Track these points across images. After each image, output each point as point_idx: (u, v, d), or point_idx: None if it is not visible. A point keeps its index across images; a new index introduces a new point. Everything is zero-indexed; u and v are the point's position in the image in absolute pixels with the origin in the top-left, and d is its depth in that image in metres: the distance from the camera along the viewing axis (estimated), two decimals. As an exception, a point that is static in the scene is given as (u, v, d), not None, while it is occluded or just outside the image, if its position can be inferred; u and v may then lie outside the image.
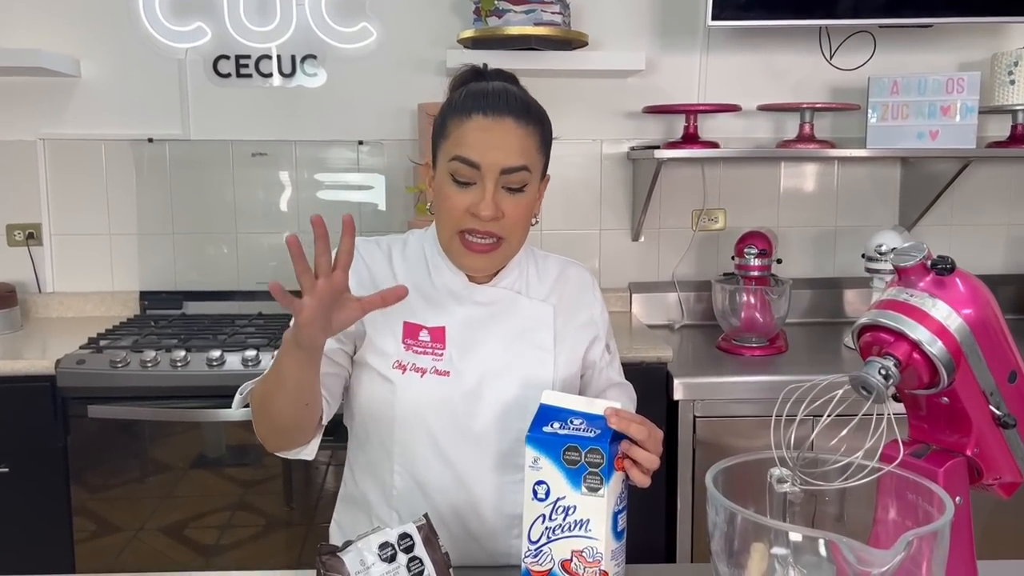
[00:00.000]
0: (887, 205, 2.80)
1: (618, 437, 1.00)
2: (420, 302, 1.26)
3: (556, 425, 1.01)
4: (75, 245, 2.70)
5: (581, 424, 1.00)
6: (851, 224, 2.79)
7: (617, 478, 1.00)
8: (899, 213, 2.80)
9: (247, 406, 1.22)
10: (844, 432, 0.85)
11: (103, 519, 2.22)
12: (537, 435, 1.01)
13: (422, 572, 0.93)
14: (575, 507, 0.98)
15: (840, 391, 0.91)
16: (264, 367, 2.15)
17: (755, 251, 2.37)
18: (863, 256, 2.45)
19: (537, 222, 1.27)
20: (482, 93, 1.18)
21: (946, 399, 0.87)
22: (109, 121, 2.64)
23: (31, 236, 2.67)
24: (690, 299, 2.74)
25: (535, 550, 1.01)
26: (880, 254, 2.37)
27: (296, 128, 2.68)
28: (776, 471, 0.96)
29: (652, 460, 1.03)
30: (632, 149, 2.70)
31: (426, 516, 0.97)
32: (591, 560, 0.98)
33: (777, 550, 0.88)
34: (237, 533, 2.26)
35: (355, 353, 1.27)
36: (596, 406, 1.02)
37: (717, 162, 2.73)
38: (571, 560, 0.99)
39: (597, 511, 0.97)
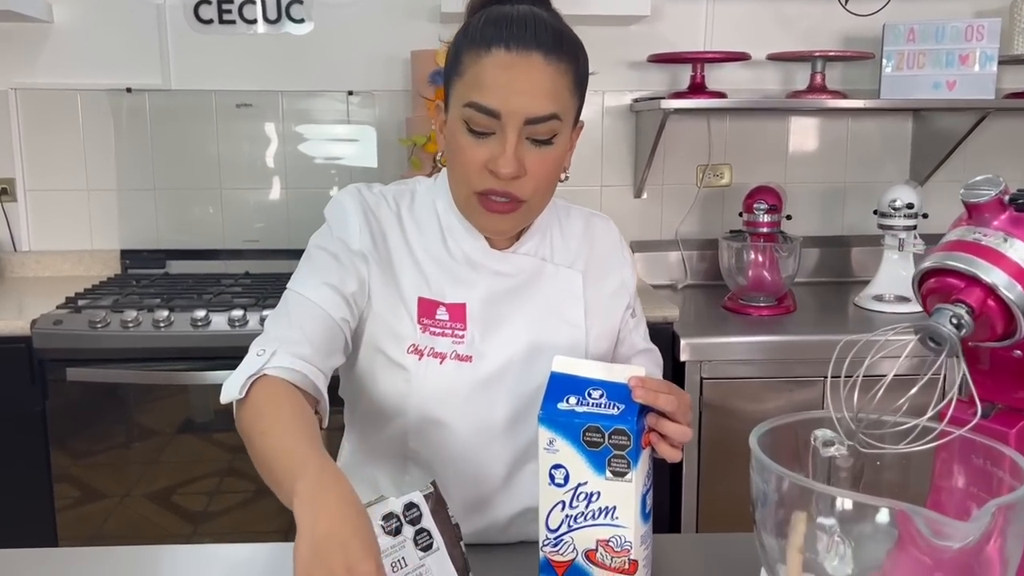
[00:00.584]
0: (898, 160, 2.70)
1: (645, 410, 0.89)
2: (436, 272, 1.09)
3: (573, 400, 0.89)
4: (51, 201, 2.57)
5: (601, 397, 0.88)
6: (861, 180, 2.69)
7: (645, 457, 0.90)
8: (910, 168, 2.70)
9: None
10: (913, 391, 0.75)
11: (86, 485, 2.12)
12: (552, 413, 0.89)
13: (431, 545, 0.84)
14: (599, 493, 0.87)
15: (906, 345, 0.81)
16: (252, 329, 2.05)
17: (765, 206, 2.27)
18: (875, 212, 2.35)
19: (567, 177, 1.10)
20: (505, 19, 0.99)
21: (1020, 352, 0.78)
22: (84, 70, 2.50)
23: (4, 192, 2.54)
24: (693, 258, 2.65)
25: (555, 539, 0.91)
26: (894, 210, 2.28)
27: (282, 78, 2.54)
28: (821, 433, 0.86)
29: (684, 433, 0.91)
30: (636, 101, 2.58)
31: (433, 484, 0.87)
32: (619, 549, 0.88)
33: (823, 520, 0.79)
34: (226, 500, 2.18)
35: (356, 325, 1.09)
36: (617, 373, 0.90)
37: (723, 115, 2.62)
38: (596, 550, 0.89)
39: (625, 497, 0.87)
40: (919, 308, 2.29)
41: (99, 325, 2.04)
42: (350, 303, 1.05)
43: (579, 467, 0.87)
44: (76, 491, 2.11)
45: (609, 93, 2.61)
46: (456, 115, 1.01)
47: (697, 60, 2.43)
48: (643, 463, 0.88)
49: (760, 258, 2.31)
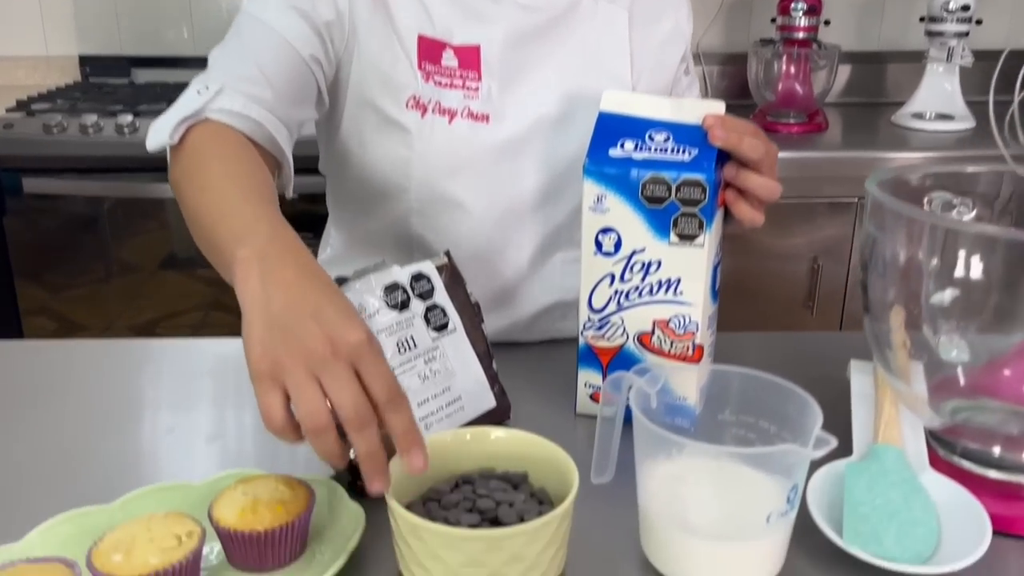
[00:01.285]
0: (947, -35, 2.41)
1: (722, 157, 0.70)
2: (441, 3, 0.86)
3: (629, 145, 0.68)
4: (-2, -1, 2.28)
5: (667, 141, 0.68)
6: (903, -13, 2.42)
7: (719, 217, 0.71)
8: (960, -25, 2.42)
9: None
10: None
11: (59, 314, 1.96)
12: (601, 162, 0.68)
13: (445, 325, 0.66)
14: (659, 262, 0.69)
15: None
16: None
17: (803, 7, 2.02)
18: (922, 19, 2.10)
19: None
20: None
21: None
22: None
23: (-58, -14, 2.25)
24: (713, 74, 2.41)
25: (599, 320, 0.73)
26: (947, 12, 2.03)
27: None
28: (939, 195, 0.68)
29: (772, 189, 0.73)
30: None
31: (447, 255, 0.70)
32: (681, 332, 0.71)
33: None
34: (212, 334, 2.02)
35: (336, 71, 0.87)
36: (687, 110, 0.69)
37: (754, -93, 2.32)
38: (652, 333, 0.72)
39: (693, 267, 0.68)
40: (963, 125, 2.11)
41: (55, 130, 1.82)
42: (323, 37, 0.83)
43: (635, 229, 0.68)
44: (50, 321, 1.95)
45: None
46: None
47: None
48: (717, 225, 0.70)
49: (793, 69, 2.08)
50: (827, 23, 2.11)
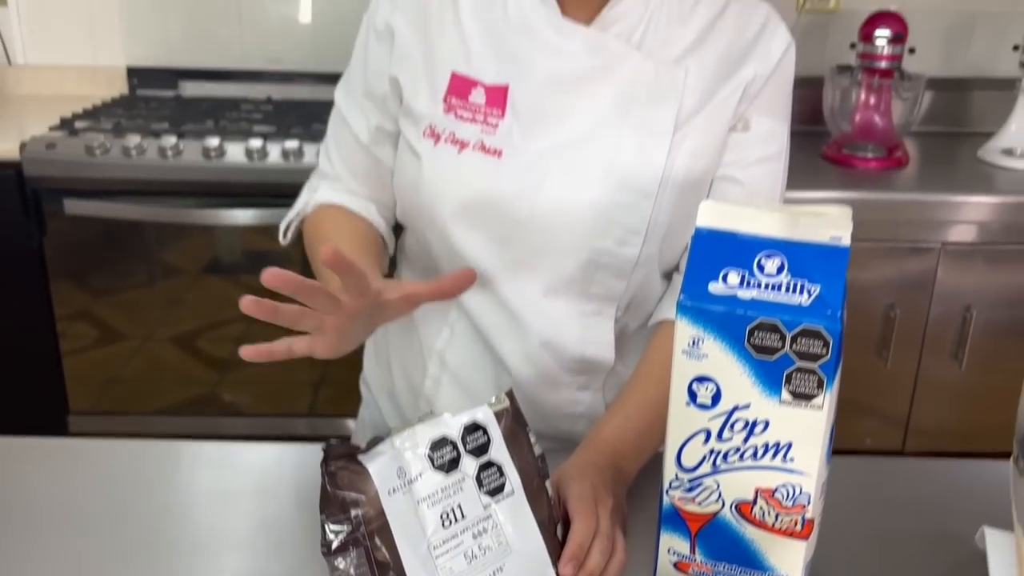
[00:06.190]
0: (1044, -14, 2.24)
1: (844, 293, 0.56)
2: (481, 43, 0.84)
3: (733, 278, 0.56)
4: (48, 6, 2.23)
5: (780, 273, 0.56)
6: (996, 9, 2.25)
7: (840, 371, 0.58)
8: (1057, -3, 2.25)
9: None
10: None
11: (97, 332, 1.90)
12: (699, 298, 0.57)
13: (502, 487, 0.56)
14: (767, 423, 0.57)
15: None
16: (272, 162, 1.76)
17: (888, 35, 1.88)
18: (1016, 48, 1.95)
19: None
20: None
21: None
22: None
23: (-8, -6, 2.21)
24: (784, 99, 2.26)
25: (690, 482, 0.61)
26: (1046, 44, 1.87)
27: None
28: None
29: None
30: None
31: (510, 395, 0.59)
32: (790, 504, 0.58)
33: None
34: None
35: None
36: (804, 226, 0.57)
37: (835, -77, 2.17)
38: (754, 502, 0.59)
39: (809, 431, 0.56)
40: (1059, 165, 1.95)
41: (98, 151, 1.76)
42: (387, 109, 0.91)
43: (739, 382, 0.56)
44: (81, 339, 1.90)
45: None
46: None
47: None
48: (838, 381, 0.58)
49: (873, 99, 1.94)
50: (912, 51, 1.96)
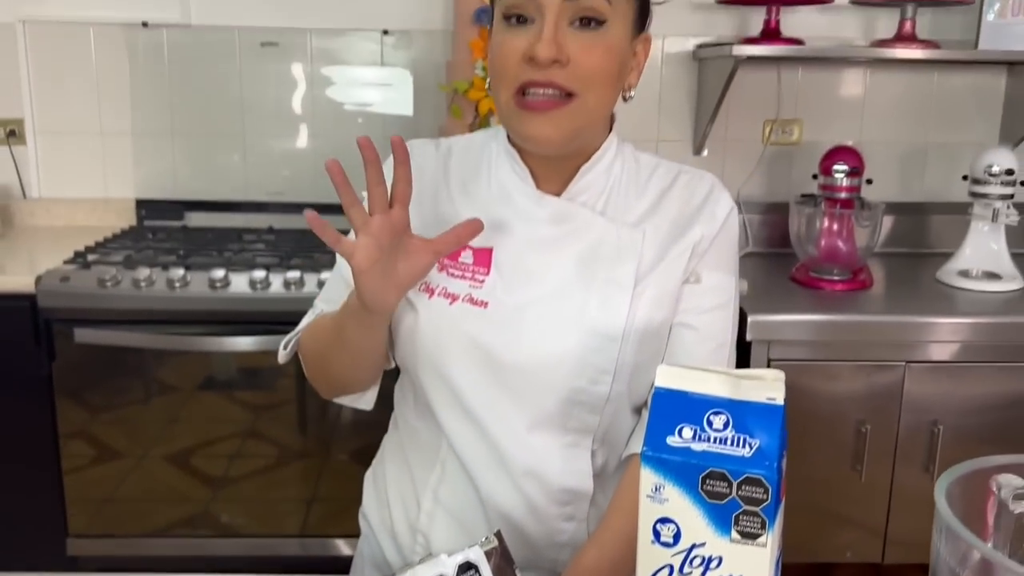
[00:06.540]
0: (988, 120, 2.44)
1: (784, 444, 0.67)
2: (469, 210, 0.97)
3: (688, 433, 0.67)
4: (63, 144, 2.38)
5: (726, 428, 0.67)
6: (945, 141, 2.44)
7: (782, 512, 0.68)
8: (1001, 129, 2.44)
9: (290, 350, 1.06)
10: None
11: (95, 452, 1.97)
12: (659, 450, 0.67)
13: (493, 618, 0.65)
14: (720, 559, 0.67)
15: None
16: (274, 292, 1.87)
17: (845, 169, 2.04)
18: (965, 178, 2.11)
19: (631, 96, 0.97)
20: None
21: None
22: (98, 0, 2.29)
23: (12, 134, 2.36)
24: (754, 223, 2.42)
25: None
26: (990, 175, 2.03)
27: (311, 14, 2.32)
28: (1005, 480, 0.66)
29: None
30: (700, 47, 2.33)
31: (498, 536, 0.69)
32: None
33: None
34: (247, 464, 2.02)
35: None
36: (745, 387, 0.67)
37: (795, 66, 2.37)
38: None
39: (755, 565, 0.66)
40: (1011, 286, 2.09)
41: (109, 283, 1.87)
42: None
43: (695, 523, 0.66)
44: (83, 459, 1.96)
45: (670, 38, 2.36)
46: (497, 17, 0.92)
47: (773, 2, 2.17)
48: (779, 522, 0.67)
49: (835, 226, 2.08)
50: (869, 182, 2.12)
